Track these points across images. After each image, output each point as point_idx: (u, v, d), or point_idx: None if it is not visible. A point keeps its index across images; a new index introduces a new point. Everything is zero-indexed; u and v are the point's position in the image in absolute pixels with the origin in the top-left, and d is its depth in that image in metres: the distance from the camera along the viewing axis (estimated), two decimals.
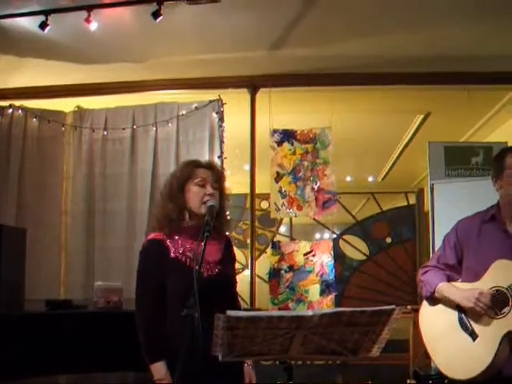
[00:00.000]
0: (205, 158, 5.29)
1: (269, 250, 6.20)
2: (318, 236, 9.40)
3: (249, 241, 6.01)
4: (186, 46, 5.14)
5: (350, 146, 7.23)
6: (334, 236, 7.77)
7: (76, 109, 5.85)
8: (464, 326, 2.81)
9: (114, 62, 5.36)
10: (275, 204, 5.82)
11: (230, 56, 5.34)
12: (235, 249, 2.99)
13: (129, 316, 2.72)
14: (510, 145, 5.04)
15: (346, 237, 8.13)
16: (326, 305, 5.61)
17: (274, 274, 5.73)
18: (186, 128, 5.67)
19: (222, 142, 5.55)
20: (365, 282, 7.88)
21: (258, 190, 5.95)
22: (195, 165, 2.81)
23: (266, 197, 6.81)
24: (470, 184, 5.19)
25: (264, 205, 7.83)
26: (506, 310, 2.71)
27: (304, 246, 5.79)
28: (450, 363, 2.81)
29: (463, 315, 2.83)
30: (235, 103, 5.63)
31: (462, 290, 2.83)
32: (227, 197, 2.87)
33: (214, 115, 5.60)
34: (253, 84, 5.84)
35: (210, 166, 2.84)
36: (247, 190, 5.94)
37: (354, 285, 7.91)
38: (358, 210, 9.96)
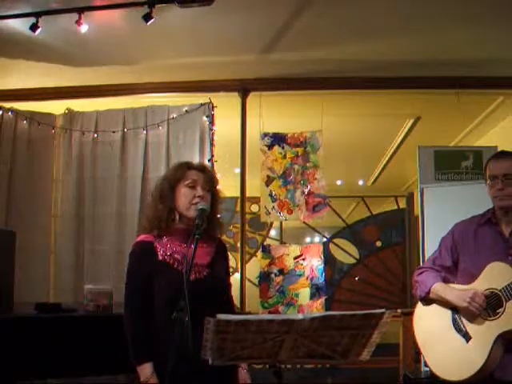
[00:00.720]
0: (195, 161, 5.27)
1: (259, 254, 6.21)
2: (308, 240, 9.43)
3: (239, 244, 6.01)
4: (177, 49, 5.15)
5: (340, 150, 7.26)
6: (325, 240, 7.80)
7: (66, 111, 5.84)
8: (457, 327, 2.82)
9: (105, 64, 5.36)
10: (265, 207, 5.82)
11: (221, 59, 5.35)
12: None
13: (118, 319, 2.71)
14: (500, 149, 5.05)
15: (336, 240, 8.15)
16: (316, 308, 5.61)
17: (264, 278, 5.73)
18: (177, 131, 5.67)
19: (212, 145, 5.55)
20: (355, 286, 7.90)
21: (248, 194, 5.96)
22: (187, 166, 2.79)
23: (256, 200, 6.79)
24: (459, 188, 5.20)
25: (254, 208, 7.82)
26: (499, 311, 2.72)
27: (294, 249, 5.79)
28: (442, 364, 2.81)
29: (457, 316, 2.84)
30: (226, 107, 5.63)
31: (456, 290, 2.84)
32: (220, 200, 2.82)
33: (205, 118, 5.60)
34: (243, 87, 5.86)
35: (201, 169, 2.81)
36: (237, 194, 5.95)
37: (344, 288, 7.93)
38: (348, 214, 10.00)
